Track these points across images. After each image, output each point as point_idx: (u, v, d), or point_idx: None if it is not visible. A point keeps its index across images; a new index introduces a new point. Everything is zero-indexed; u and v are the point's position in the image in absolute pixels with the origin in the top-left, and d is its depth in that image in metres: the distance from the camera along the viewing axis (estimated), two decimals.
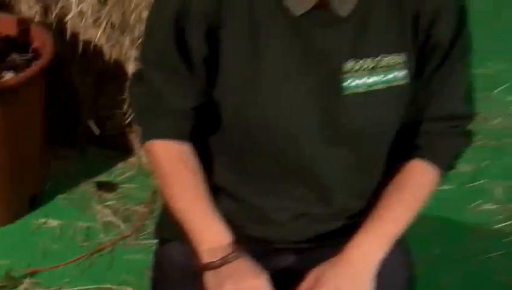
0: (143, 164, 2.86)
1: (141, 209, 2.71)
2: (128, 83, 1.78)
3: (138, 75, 1.70)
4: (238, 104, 1.61)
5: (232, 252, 1.57)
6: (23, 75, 2.58)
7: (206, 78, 1.61)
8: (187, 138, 1.66)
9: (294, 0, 1.56)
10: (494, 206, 2.82)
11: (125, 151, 2.95)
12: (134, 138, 2.94)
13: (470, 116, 1.70)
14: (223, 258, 1.55)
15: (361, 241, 1.60)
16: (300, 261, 1.71)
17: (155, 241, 1.84)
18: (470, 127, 1.72)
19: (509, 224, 2.75)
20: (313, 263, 1.60)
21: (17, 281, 2.47)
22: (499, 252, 2.62)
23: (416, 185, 1.68)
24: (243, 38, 1.58)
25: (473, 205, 2.81)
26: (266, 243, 1.72)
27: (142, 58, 1.71)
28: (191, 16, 1.58)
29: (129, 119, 2.83)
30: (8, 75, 2.58)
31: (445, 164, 1.69)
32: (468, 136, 1.71)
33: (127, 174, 2.86)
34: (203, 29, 1.57)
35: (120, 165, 2.90)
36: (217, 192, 1.67)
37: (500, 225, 2.75)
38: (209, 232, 1.60)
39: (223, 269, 1.57)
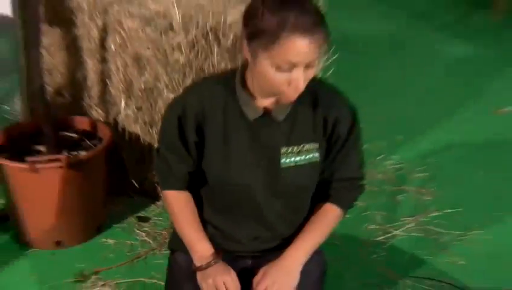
0: (164, 207, 2.96)
1: (163, 232, 2.92)
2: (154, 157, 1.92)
3: (157, 152, 1.88)
4: (216, 172, 1.80)
5: (213, 259, 1.78)
6: (93, 152, 2.76)
7: (197, 156, 1.82)
8: (185, 189, 1.88)
9: (250, 110, 1.74)
10: (377, 227, 3.01)
11: (155, 197, 3.13)
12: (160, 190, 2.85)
13: (362, 177, 1.91)
14: (207, 263, 1.78)
15: (292, 252, 1.80)
16: (255, 264, 1.89)
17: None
18: (362, 182, 1.92)
19: (385, 237, 2.92)
20: (262, 265, 1.81)
21: (87, 276, 2.64)
22: (380, 254, 2.82)
23: (328, 219, 1.87)
24: (218, 133, 1.77)
25: (363, 225, 3.00)
26: (234, 253, 1.90)
27: (160, 143, 1.88)
28: (187, 119, 1.76)
29: (157, 181, 2.89)
30: (82, 154, 2.75)
31: (347, 206, 1.90)
32: (361, 187, 1.91)
33: (156, 212, 3.08)
34: (194, 128, 1.77)
35: (152, 206, 3.11)
36: (204, 223, 1.89)
37: (379, 238, 2.92)
38: (199, 247, 1.82)
39: (207, 270, 1.78)
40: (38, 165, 2.62)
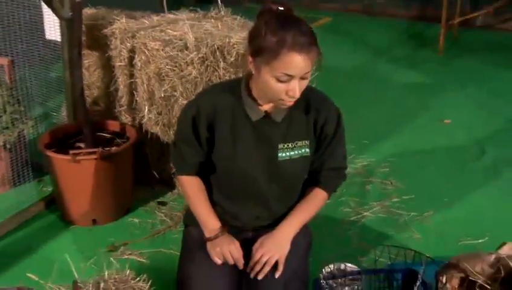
0: (180, 192, 2.93)
1: (178, 214, 2.85)
2: (171, 150, 1.94)
3: (174, 145, 1.89)
4: (225, 163, 1.79)
5: (220, 232, 1.78)
6: (123, 147, 2.75)
7: (207, 149, 1.81)
8: (196, 175, 1.86)
9: (253, 113, 1.73)
10: (350, 210, 2.97)
11: (171, 186, 3.07)
12: (177, 181, 2.97)
13: (345, 167, 1.92)
14: (215, 235, 1.78)
15: (285, 226, 1.80)
16: (255, 235, 1.86)
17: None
18: (344, 172, 1.94)
19: (357, 218, 2.89)
20: (261, 236, 1.81)
21: (117, 247, 2.60)
22: (354, 230, 2.78)
23: (316, 201, 1.87)
24: (227, 131, 1.75)
25: (339, 208, 2.97)
26: (238, 228, 1.87)
27: (176, 137, 1.89)
28: (200, 119, 1.75)
29: (174, 170, 2.83)
30: (113, 149, 2.73)
31: (332, 191, 1.91)
32: (344, 176, 1.94)
33: (172, 197, 3.02)
34: (206, 126, 1.76)
35: (169, 193, 3.05)
36: (213, 204, 1.86)
37: (353, 218, 2.90)
38: (209, 221, 1.82)
39: (216, 240, 1.77)
40: (79, 157, 2.61)
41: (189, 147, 1.80)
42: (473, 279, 1.96)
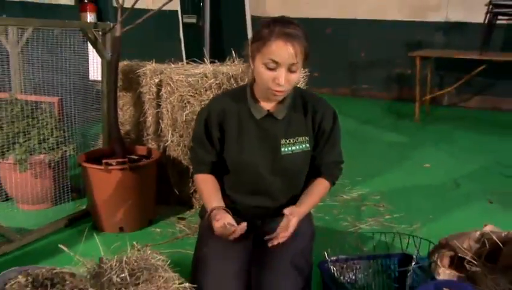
0: (197, 209, 2.80)
1: (195, 226, 2.68)
2: (189, 152, 1.93)
3: (191, 148, 1.85)
4: (233, 158, 1.73)
5: (217, 209, 1.65)
6: (148, 161, 2.66)
7: (219, 148, 1.75)
8: (211, 173, 1.78)
9: (257, 112, 1.68)
10: (348, 223, 2.85)
11: (190, 206, 2.94)
12: (196, 199, 2.93)
13: (342, 161, 1.83)
14: (212, 210, 1.66)
15: (302, 207, 1.68)
16: (262, 224, 1.78)
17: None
18: (342, 165, 1.84)
19: (354, 229, 2.76)
20: (268, 224, 1.71)
21: (141, 249, 2.47)
22: (351, 238, 2.57)
23: (319, 189, 1.77)
24: (234, 129, 1.71)
25: (339, 223, 2.86)
26: (249, 216, 1.74)
27: (192, 140, 1.83)
28: (212, 120, 1.72)
29: (193, 190, 2.87)
30: (141, 162, 2.66)
31: (333, 181, 1.81)
32: (341, 169, 1.84)
33: (190, 214, 2.89)
34: (217, 126, 1.72)
35: (188, 211, 2.92)
36: (224, 197, 1.75)
37: (350, 229, 2.77)
38: (211, 202, 1.68)
39: (213, 213, 1.64)
40: (110, 167, 2.52)
41: (203, 148, 1.75)
42: (461, 255, 1.79)
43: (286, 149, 1.69)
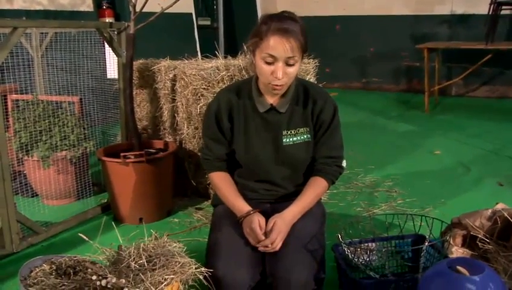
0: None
1: (211, 215, 2.61)
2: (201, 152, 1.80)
3: (202, 146, 1.79)
4: (241, 148, 1.69)
5: (247, 214, 1.61)
6: (165, 153, 2.62)
7: (230, 138, 1.71)
8: (225, 169, 1.74)
9: (261, 105, 1.65)
10: (362, 209, 2.78)
11: (207, 196, 2.88)
12: (212, 190, 2.81)
13: (341, 157, 1.75)
14: (243, 216, 1.62)
15: (290, 210, 1.61)
16: (270, 207, 1.72)
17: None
18: (342, 163, 1.75)
19: (368, 214, 2.68)
20: (277, 208, 1.66)
21: (160, 238, 2.50)
22: (366, 222, 2.35)
23: (317, 189, 1.69)
24: (240, 122, 1.68)
25: (353, 208, 2.78)
26: (258, 200, 1.73)
27: (203, 133, 1.78)
28: (221, 111, 1.68)
29: (209, 181, 2.75)
30: (158, 154, 2.61)
31: (331, 179, 1.72)
32: (341, 167, 1.74)
33: (207, 205, 2.83)
34: (227, 116, 1.68)
35: (205, 202, 2.87)
36: (236, 184, 1.73)
37: (364, 214, 2.71)
38: (237, 205, 1.66)
39: (244, 220, 1.61)
40: (128, 160, 2.49)
41: (216, 140, 1.71)
42: (474, 234, 1.71)
43: (288, 140, 1.67)
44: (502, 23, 5.45)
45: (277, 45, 1.48)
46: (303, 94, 1.69)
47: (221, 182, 1.73)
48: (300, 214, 1.64)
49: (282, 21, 1.50)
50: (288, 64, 1.52)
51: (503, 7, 5.16)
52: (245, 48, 2.81)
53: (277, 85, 1.55)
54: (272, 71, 1.52)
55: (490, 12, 5.16)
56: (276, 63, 1.51)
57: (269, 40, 1.49)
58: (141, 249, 1.65)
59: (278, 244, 1.53)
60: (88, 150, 2.81)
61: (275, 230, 1.54)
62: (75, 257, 1.65)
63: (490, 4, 5.15)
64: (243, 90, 1.69)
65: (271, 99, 1.66)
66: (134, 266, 1.53)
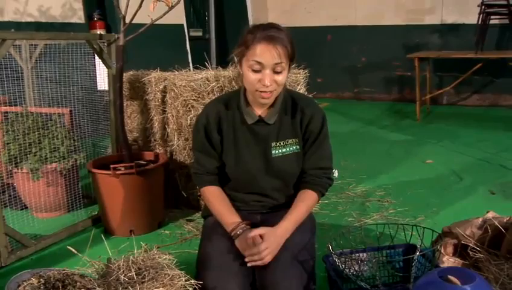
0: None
1: (200, 227, 2.65)
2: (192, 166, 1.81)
3: (194, 157, 1.77)
4: (230, 165, 1.68)
5: (238, 227, 1.59)
6: (155, 165, 2.59)
7: (220, 150, 1.69)
8: (217, 183, 1.72)
9: (249, 117, 1.64)
10: (353, 219, 2.75)
11: (197, 208, 2.85)
12: (202, 203, 2.78)
13: (330, 168, 1.73)
14: (235, 231, 1.59)
15: (282, 226, 1.59)
16: (262, 218, 1.72)
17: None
18: (331, 174, 1.73)
19: (359, 224, 2.66)
20: (267, 220, 1.67)
21: (150, 250, 2.44)
22: (357, 233, 2.34)
23: (308, 202, 1.67)
24: (230, 133, 1.67)
25: (344, 219, 2.77)
26: (249, 211, 1.73)
27: (193, 147, 1.76)
28: (210, 124, 1.67)
29: (199, 193, 2.72)
30: (148, 166, 2.57)
31: (320, 191, 1.70)
32: (330, 179, 1.73)
33: (198, 216, 2.80)
34: (216, 129, 1.67)
35: (196, 214, 2.84)
36: (228, 196, 1.71)
37: (356, 224, 2.68)
38: (228, 219, 1.64)
39: (236, 239, 1.58)
40: (118, 172, 2.48)
41: (207, 154, 1.69)
42: (465, 243, 1.71)
43: (277, 151, 1.66)
44: (491, 32, 5.52)
45: (264, 52, 1.48)
46: (291, 104, 1.68)
47: (213, 197, 1.71)
48: (293, 229, 1.61)
49: (267, 29, 1.51)
50: (275, 72, 1.51)
51: (492, 17, 5.24)
52: (234, 57, 2.87)
53: (265, 92, 1.53)
54: (259, 79, 1.51)
55: (479, 22, 5.21)
56: (264, 71, 1.50)
57: (256, 47, 1.49)
58: (130, 262, 1.64)
59: (266, 258, 1.50)
60: (78, 162, 2.80)
61: (265, 242, 1.52)
62: (64, 270, 1.64)
63: (479, 14, 5.21)
64: (231, 101, 1.68)
65: (259, 111, 1.65)
66: (124, 279, 1.52)
